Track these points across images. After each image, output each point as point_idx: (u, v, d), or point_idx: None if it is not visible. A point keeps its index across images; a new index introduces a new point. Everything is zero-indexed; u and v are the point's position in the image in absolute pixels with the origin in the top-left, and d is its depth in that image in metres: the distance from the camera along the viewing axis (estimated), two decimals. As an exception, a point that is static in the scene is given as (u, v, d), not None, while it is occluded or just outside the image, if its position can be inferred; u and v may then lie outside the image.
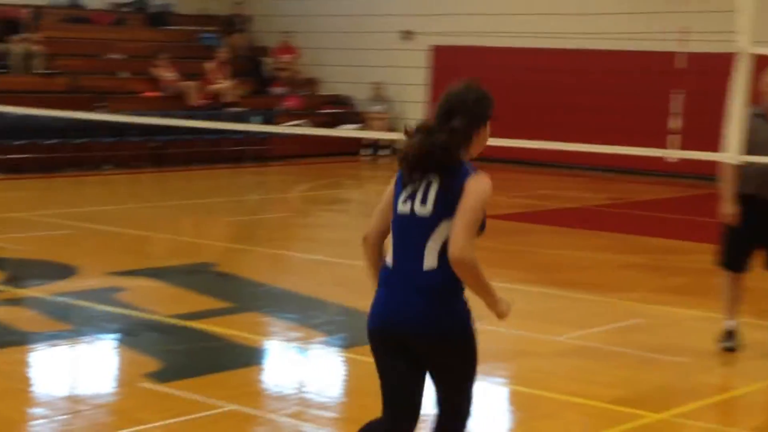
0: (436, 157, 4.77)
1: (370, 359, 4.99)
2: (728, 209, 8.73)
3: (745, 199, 8.70)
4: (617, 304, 10.78)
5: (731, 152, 8.06)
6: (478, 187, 4.84)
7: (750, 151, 8.53)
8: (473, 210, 4.81)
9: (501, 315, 5.24)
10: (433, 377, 4.96)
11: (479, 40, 23.58)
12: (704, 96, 20.63)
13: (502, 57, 24.12)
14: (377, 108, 25.79)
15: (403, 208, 4.84)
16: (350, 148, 25.05)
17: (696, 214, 18.75)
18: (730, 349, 9.00)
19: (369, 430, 5.11)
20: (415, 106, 25.37)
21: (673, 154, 8.21)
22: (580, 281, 11.98)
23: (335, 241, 14.35)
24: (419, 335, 4.84)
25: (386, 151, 25.29)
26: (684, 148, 11.32)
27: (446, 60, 25.09)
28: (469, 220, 4.80)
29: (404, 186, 4.84)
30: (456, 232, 4.76)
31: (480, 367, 7.93)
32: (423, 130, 4.83)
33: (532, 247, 14.18)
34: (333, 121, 25.47)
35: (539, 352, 9.01)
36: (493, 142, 5.06)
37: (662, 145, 18.73)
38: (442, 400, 4.98)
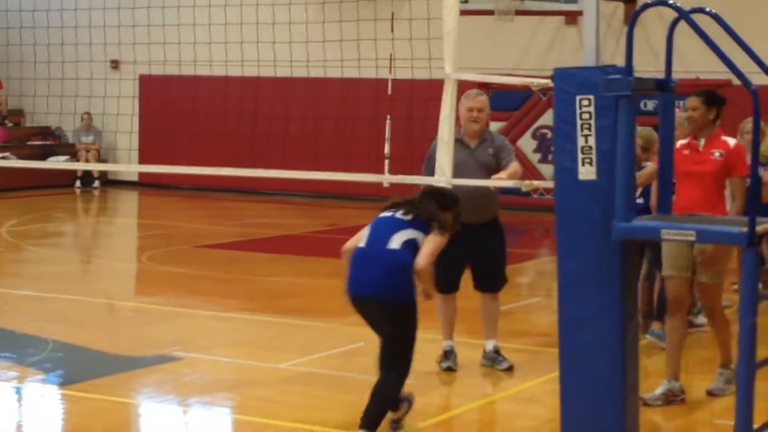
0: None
1: (93, 395, 4.81)
2: None
3: None
4: (339, 329, 10.84)
5: (445, 176, 8.23)
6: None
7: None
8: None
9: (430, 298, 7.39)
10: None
11: (189, 69, 23.40)
12: (411, 122, 21.13)
13: (213, 86, 24.04)
14: (88, 139, 25.24)
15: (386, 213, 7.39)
16: (63, 181, 24.40)
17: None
18: (449, 369, 9.20)
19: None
20: (126, 136, 24.95)
21: (390, 179, 8.36)
22: (300, 308, 11.99)
23: (48, 275, 13.90)
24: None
25: (98, 183, 24.78)
26: (393, 172, 11.61)
27: (156, 89, 24.81)
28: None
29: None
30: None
31: (202, 398, 7.80)
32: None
33: (251, 275, 14.11)
34: (42, 153, 24.74)
35: (262, 380, 8.94)
36: (210, 171, 5.00)
37: (378, 170, 19.04)
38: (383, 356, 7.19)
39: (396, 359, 7.20)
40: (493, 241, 9.24)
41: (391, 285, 7.09)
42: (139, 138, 25.15)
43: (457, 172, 8.79)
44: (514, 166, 8.93)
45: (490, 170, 9.02)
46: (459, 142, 9.01)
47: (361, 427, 7.10)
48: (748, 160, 7.94)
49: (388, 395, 7.22)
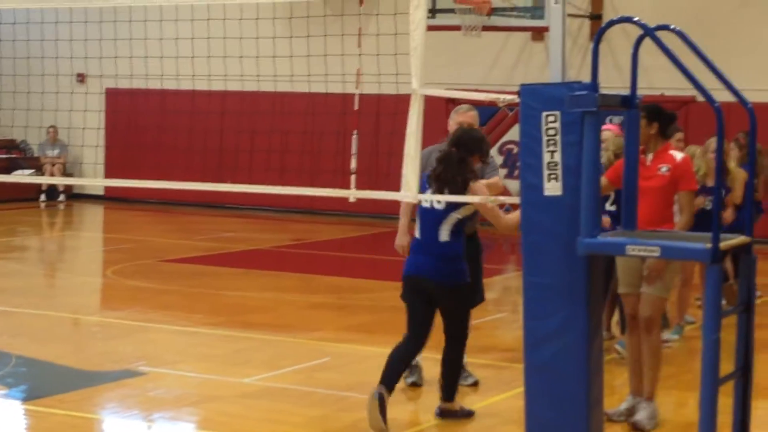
0: None
1: (58, 411, 4.81)
2: (400, 240, 9.00)
3: None
4: (305, 344, 10.82)
5: (411, 191, 8.22)
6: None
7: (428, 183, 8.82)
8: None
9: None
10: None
11: (156, 83, 23.35)
12: (378, 136, 21.15)
13: (179, 100, 23.98)
14: (53, 152, 25.13)
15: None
16: (28, 194, 24.28)
17: (377, 253, 19.14)
18: (414, 384, 9.20)
19: (397, 348, 8.17)
20: (92, 150, 24.82)
21: (356, 194, 8.33)
22: (265, 322, 11.97)
23: (12, 289, 13.82)
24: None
25: (64, 197, 24.68)
26: (360, 187, 11.54)
27: (122, 103, 24.75)
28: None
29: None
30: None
31: (167, 413, 7.78)
32: None
33: (216, 289, 14.08)
34: (7, 167, 24.58)
35: (227, 395, 8.92)
36: (174, 185, 5.01)
37: (345, 185, 19.05)
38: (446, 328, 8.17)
39: (458, 329, 8.23)
40: (473, 257, 9.24)
41: (446, 272, 8.02)
42: (105, 152, 25.05)
43: None
44: (496, 179, 8.95)
45: None
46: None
47: (444, 399, 8.30)
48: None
49: (457, 361, 8.32)
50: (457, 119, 9.12)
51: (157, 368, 9.69)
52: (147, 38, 21.16)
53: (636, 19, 6.22)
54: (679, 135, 10.87)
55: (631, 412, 8.22)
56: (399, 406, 8.74)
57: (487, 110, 20.85)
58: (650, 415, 8.10)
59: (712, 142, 11.41)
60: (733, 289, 10.12)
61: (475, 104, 9.53)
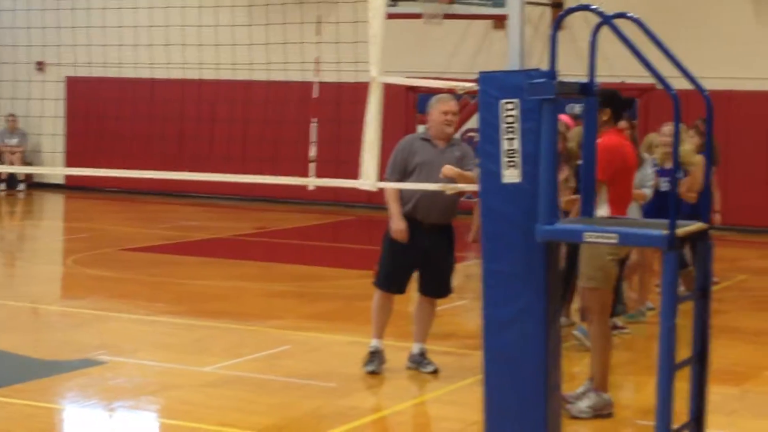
0: None
1: (17, 400, 4.79)
2: (398, 225, 9.00)
3: (407, 222, 9.02)
4: (265, 332, 10.82)
5: (370, 179, 8.23)
6: None
7: (413, 172, 9.04)
8: None
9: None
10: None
11: (115, 71, 23.24)
12: (338, 124, 21.12)
13: (139, 88, 23.89)
14: (13, 141, 24.96)
15: None
16: (-15, 183, 24.17)
17: (338, 241, 19.18)
18: (373, 373, 9.21)
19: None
20: (52, 138, 24.70)
21: (315, 182, 8.33)
22: (227, 311, 11.95)
23: (-29, 279, 13.75)
24: None
25: (23, 186, 24.53)
26: (320, 175, 11.54)
27: (82, 91, 24.61)
28: None
29: None
30: None
31: (127, 402, 7.78)
32: None
33: (177, 278, 14.05)
34: (-35, 156, 24.44)
35: (188, 383, 8.91)
36: (134, 174, 4.99)
37: (305, 173, 19.03)
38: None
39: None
40: (447, 246, 9.30)
41: None
42: (66, 140, 24.91)
43: (424, 170, 9.01)
44: (475, 173, 9.00)
45: None
46: (428, 142, 9.19)
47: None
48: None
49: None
50: (442, 108, 9.22)
51: (118, 357, 9.66)
52: (106, 26, 21.03)
53: (594, 7, 6.24)
54: (623, 123, 10.63)
55: (594, 409, 8.24)
56: (358, 394, 8.78)
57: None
58: (592, 405, 8.09)
59: (666, 126, 11.47)
60: (692, 276, 10.19)
61: (436, 92, 9.56)
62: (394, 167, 9.15)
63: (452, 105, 9.22)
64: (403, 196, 9.12)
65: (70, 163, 24.33)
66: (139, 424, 8.09)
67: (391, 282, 9.24)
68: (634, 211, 10.35)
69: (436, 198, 9.00)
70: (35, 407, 8.12)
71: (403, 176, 9.09)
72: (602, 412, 8.09)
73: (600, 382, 8.13)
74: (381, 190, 8.77)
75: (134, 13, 21.29)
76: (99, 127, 24.26)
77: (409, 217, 9.07)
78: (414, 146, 9.16)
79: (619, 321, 10.91)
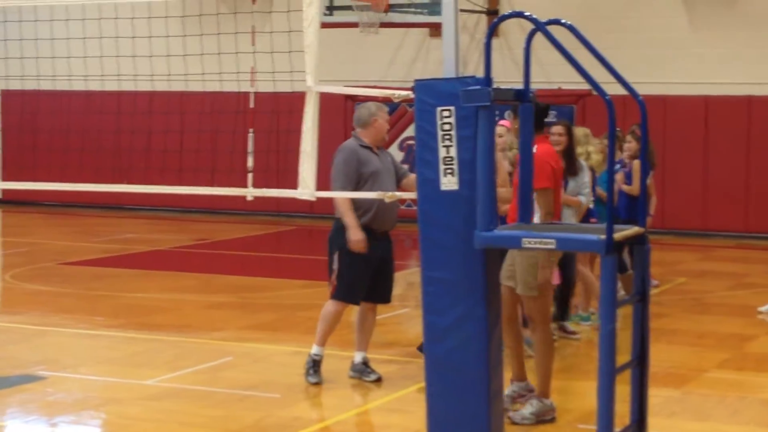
0: None
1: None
2: (358, 235, 8.97)
3: (364, 230, 9.01)
4: (206, 344, 10.77)
5: (308, 188, 8.23)
6: None
7: (367, 181, 9.03)
8: None
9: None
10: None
11: (49, 84, 23.05)
12: (274, 134, 21.07)
13: (73, 100, 23.70)
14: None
15: None
16: None
17: (279, 251, 19.12)
18: (318, 382, 9.18)
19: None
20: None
21: (254, 192, 8.29)
22: (167, 323, 11.88)
23: None
24: None
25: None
26: (257, 185, 11.47)
27: (15, 104, 24.38)
28: None
29: None
30: None
31: (69, 417, 7.71)
32: None
33: (115, 291, 13.94)
34: None
35: (129, 397, 8.84)
36: (72, 187, 4.96)
37: (243, 184, 18.96)
38: None
39: None
40: (391, 252, 9.36)
41: None
42: (1, 154, 24.68)
43: (380, 178, 9.06)
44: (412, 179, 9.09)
45: (395, 177, 9.30)
46: (369, 150, 9.21)
47: None
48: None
49: None
50: (386, 116, 9.40)
51: (58, 372, 9.58)
52: (38, 38, 20.87)
53: (527, 13, 6.28)
54: (558, 128, 10.64)
55: (512, 398, 8.29)
56: (301, 404, 8.76)
57: (387, 107, 20.92)
58: (535, 412, 8.10)
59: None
60: (632, 280, 10.27)
61: (373, 101, 9.59)
62: (348, 177, 9.08)
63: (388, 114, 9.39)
64: (359, 207, 9.05)
65: (4, 176, 24.09)
66: (79, 440, 8.02)
67: (354, 293, 9.19)
68: (568, 217, 10.43)
69: (392, 207, 9.07)
70: (-26, 425, 8.04)
71: (356, 186, 9.08)
72: (545, 418, 8.12)
73: (543, 388, 8.16)
74: (328, 200, 8.75)
75: (66, 25, 21.10)
76: (33, 140, 24.03)
77: (366, 227, 9.05)
78: (360, 155, 9.15)
79: (570, 325, 10.99)
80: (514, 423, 7.99)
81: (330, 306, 9.26)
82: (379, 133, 9.29)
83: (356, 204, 9.04)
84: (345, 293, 9.19)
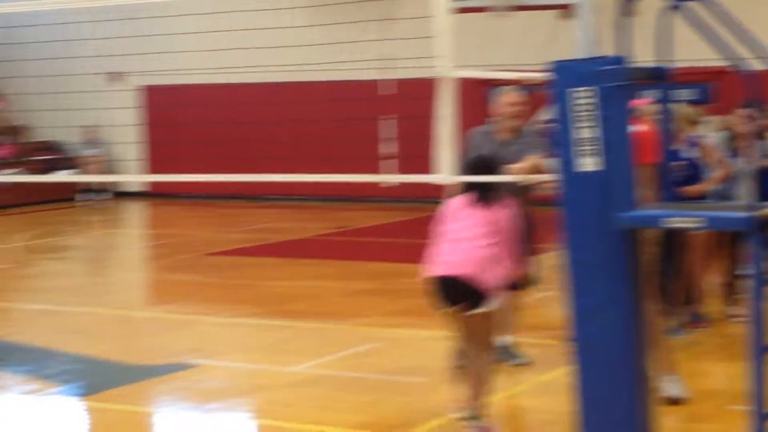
0: None
1: (113, 405, 4.91)
2: None
3: None
4: (350, 331, 10.90)
5: (444, 173, 8.26)
6: None
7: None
8: None
9: None
10: None
11: (191, 78, 23.47)
12: (414, 120, 21.16)
13: (215, 93, 24.08)
14: (92, 152, 25.29)
15: None
16: (65, 194, 24.52)
17: (417, 237, 19.15)
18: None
19: None
20: (129, 147, 25.09)
21: (391, 179, 8.40)
22: (310, 311, 12.05)
23: (60, 289, 13.98)
24: None
25: (104, 195, 24.87)
26: (399, 172, 11.55)
27: (159, 99, 24.88)
28: None
29: None
30: None
31: (219, 404, 7.88)
32: None
33: (257, 280, 14.17)
34: (46, 168, 24.80)
35: (276, 384, 9.00)
36: (212, 177, 5.09)
37: (375, 171, 19.06)
38: None
39: None
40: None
41: None
42: (149, 148, 25.24)
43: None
44: (531, 160, 8.98)
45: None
46: (493, 135, 9.22)
47: None
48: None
49: None
50: (506, 100, 9.28)
51: (207, 360, 9.80)
52: (173, 33, 21.26)
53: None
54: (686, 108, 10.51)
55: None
56: (447, 389, 8.81)
57: (524, 90, 20.80)
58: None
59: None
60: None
61: (508, 85, 9.57)
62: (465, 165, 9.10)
63: (516, 97, 9.25)
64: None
65: (150, 170, 24.64)
66: (233, 425, 8.20)
67: None
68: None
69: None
70: (130, 412, 8.26)
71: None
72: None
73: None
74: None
75: (197, 20, 21.42)
76: (176, 134, 24.50)
77: None
78: (476, 141, 9.16)
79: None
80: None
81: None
82: (499, 118, 9.27)
83: None
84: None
